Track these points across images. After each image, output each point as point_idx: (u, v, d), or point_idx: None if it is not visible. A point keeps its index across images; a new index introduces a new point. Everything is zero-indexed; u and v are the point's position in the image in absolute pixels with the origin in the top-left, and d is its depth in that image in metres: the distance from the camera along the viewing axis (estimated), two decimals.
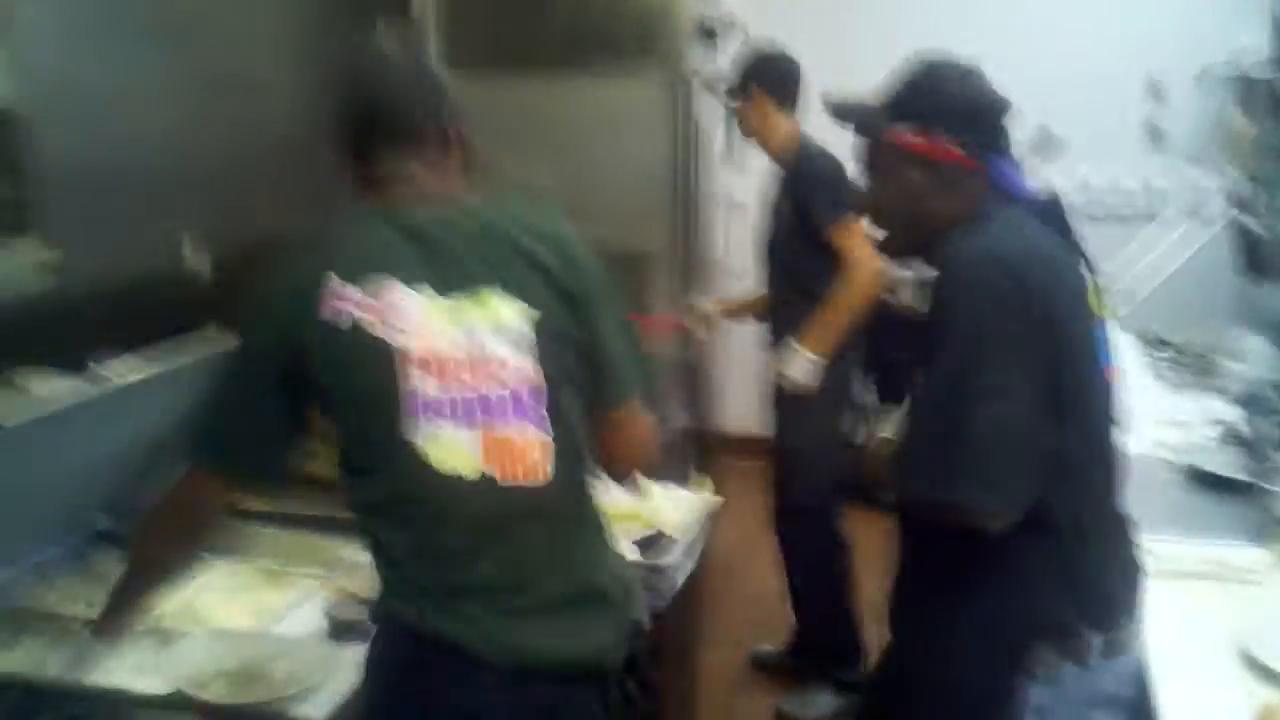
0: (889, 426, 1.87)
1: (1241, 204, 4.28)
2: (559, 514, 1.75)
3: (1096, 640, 1.76)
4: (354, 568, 2.12)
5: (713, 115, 4.15)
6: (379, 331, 1.65)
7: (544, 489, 1.71)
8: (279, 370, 1.67)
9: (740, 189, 5.26)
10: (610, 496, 2.61)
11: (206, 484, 1.74)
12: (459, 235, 1.72)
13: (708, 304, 3.94)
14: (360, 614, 1.93)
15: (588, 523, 1.82)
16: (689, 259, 4.13)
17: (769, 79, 3.52)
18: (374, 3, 3.90)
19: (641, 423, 1.84)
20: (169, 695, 1.73)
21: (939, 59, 1.90)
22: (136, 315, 2.62)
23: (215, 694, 1.72)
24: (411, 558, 1.69)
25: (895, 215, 1.89)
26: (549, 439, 1.71)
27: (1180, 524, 2.44)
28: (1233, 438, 2.83)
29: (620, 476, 2.00)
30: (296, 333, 1.65)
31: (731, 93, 3.55)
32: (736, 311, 3.95)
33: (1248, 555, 2.28)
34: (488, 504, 1.68)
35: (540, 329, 1.70)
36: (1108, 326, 1.84)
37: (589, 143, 4.00)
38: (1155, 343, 3.60)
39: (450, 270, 1.69)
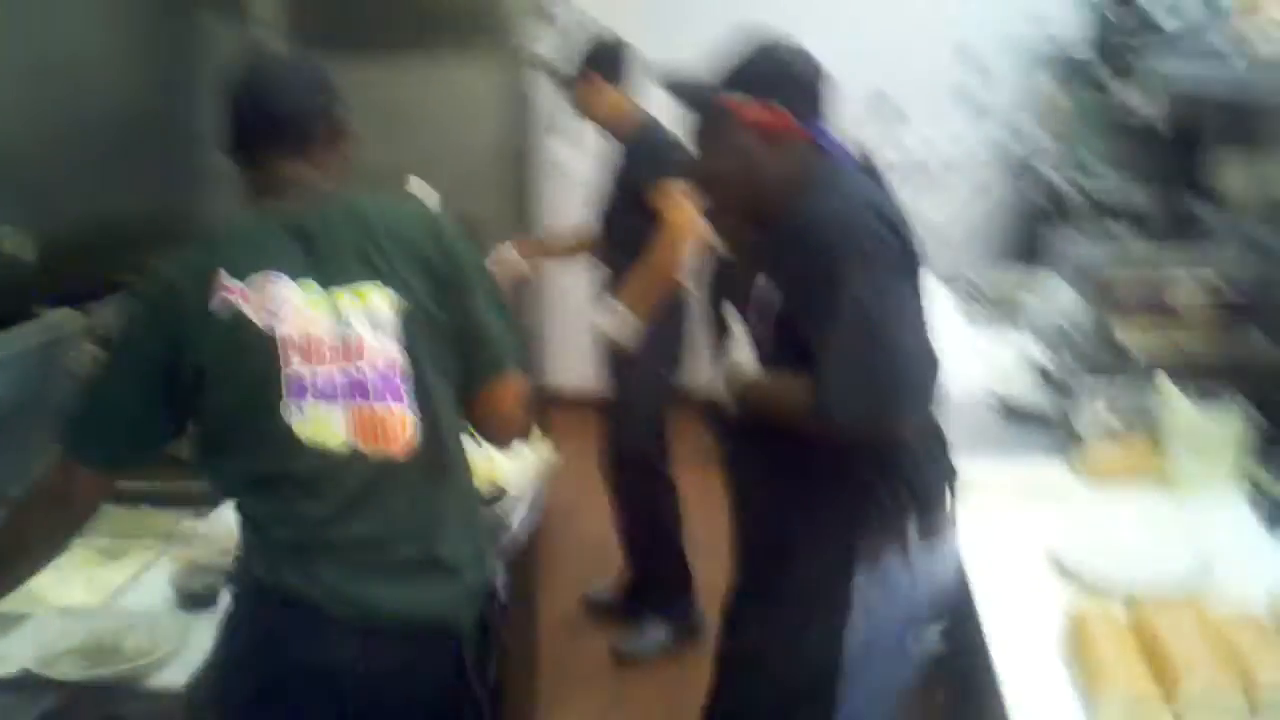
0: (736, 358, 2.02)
1: (1050, 162, 4.53)
2: (421, 484, 1.84)
3: (914, 529, 1.93)
4: (193, 539, 2.12)
5: (546, 92, 4.21)
6: (260, 320, 1.74)
7: (408, 461, 1.81)
8: (157, 363, 1.73)
9: (570, 159, 5.34)
10: None
11: (82, 477, 1.75)
12: (342, 232, 1.82)
13: (511, 249, 3.80)
14: (207, 582, 1.93)
15: (451, 493, 1.89)
16: (526, 226, 4.21)
17: (601, 62, 3.58)
18: None
19: (516, 390, 1.95)
20: (17, 676, 1.71)
21: (766, 35, 2.01)
22: None
23: (64, 672, 1.70)
24: (275, 523, 1.76)
25: (730, 185, 2.00)
26: (415, 416, 1.82)
27: (994, 449, 2.61)
28: (1037, 371, 3.02)
29: (501, 443, 2.09)
30: (179, 326, 1.73)
31: (566, 76, 3.59)
32: (557, 253, 3.98)
33: (1054, 473, 2.46)
34: (352, 473, 1.78)
35: (409, 317, 1.81)
36: None
37: (430, 120, 4.07)
38: (965, 285, 3.80)
39: (332, 266, 1.80)
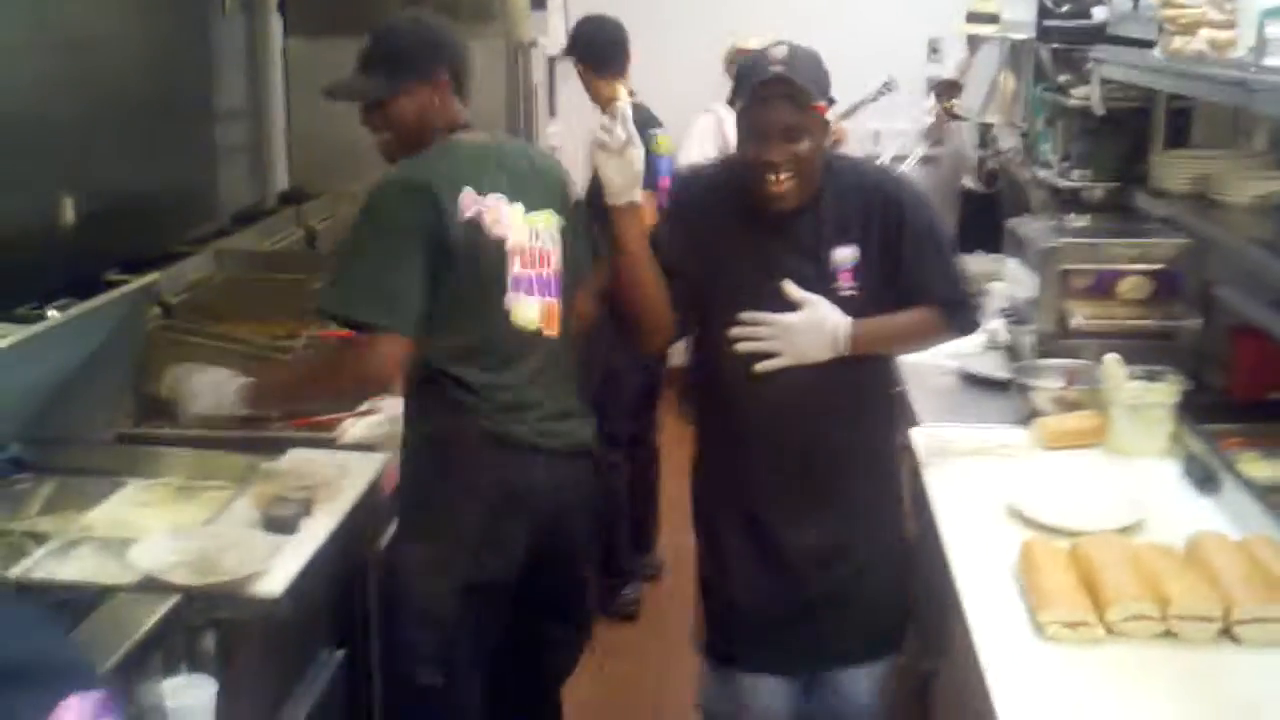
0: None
1: (1011, 153, 4.86)
2: (564, 356, 2.53)
3: None
4: (271, 475, 2.42)
5: (541, 74, 4.49)
6: (494, 232, 2.32)
7: (560, 340, 2.49)
8: (422, 248, 2.28)
9: (561, 137, 5.62)
10: None
11: (393, 345, 2.26)
12: (522, 166, 2.50)
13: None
14: (290, 510, 2.24)
15: (571, 364, 2.57)
16: None
17: (588, 51, 3.87)
18: None
19: (590, 291, 2.59)
20: (139, 582, 2.01)
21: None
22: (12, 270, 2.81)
23: (178, 579, 2.01)
24: (486, 387, 2.37)
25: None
26: (562, 309, 2.50)
27: (957, 415, 2.95)
28: (996, 344, 3.37)
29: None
30: (439, 222, 2.29)
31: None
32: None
33: (1011, 436, 2.80)
34: (537, 349, 2.44)
35: (562, 234, 2.50)
36: None
37: None
38: None
39: (527, 194, 2.45)
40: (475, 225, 2.35)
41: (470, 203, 2.35)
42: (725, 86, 5.87)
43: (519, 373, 2.42)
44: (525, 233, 2.44)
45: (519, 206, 2.44)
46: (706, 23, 5.96)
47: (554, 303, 2.49)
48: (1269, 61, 2.30)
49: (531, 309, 2.44)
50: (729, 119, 5.72)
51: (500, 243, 2.39)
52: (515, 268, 2.41)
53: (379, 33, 2.50)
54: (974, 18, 5.20)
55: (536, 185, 2.50)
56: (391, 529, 2.67)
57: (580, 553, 2.63)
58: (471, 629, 2.42)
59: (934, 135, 5.44)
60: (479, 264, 2.36)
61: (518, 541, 2.42)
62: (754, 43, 5.53)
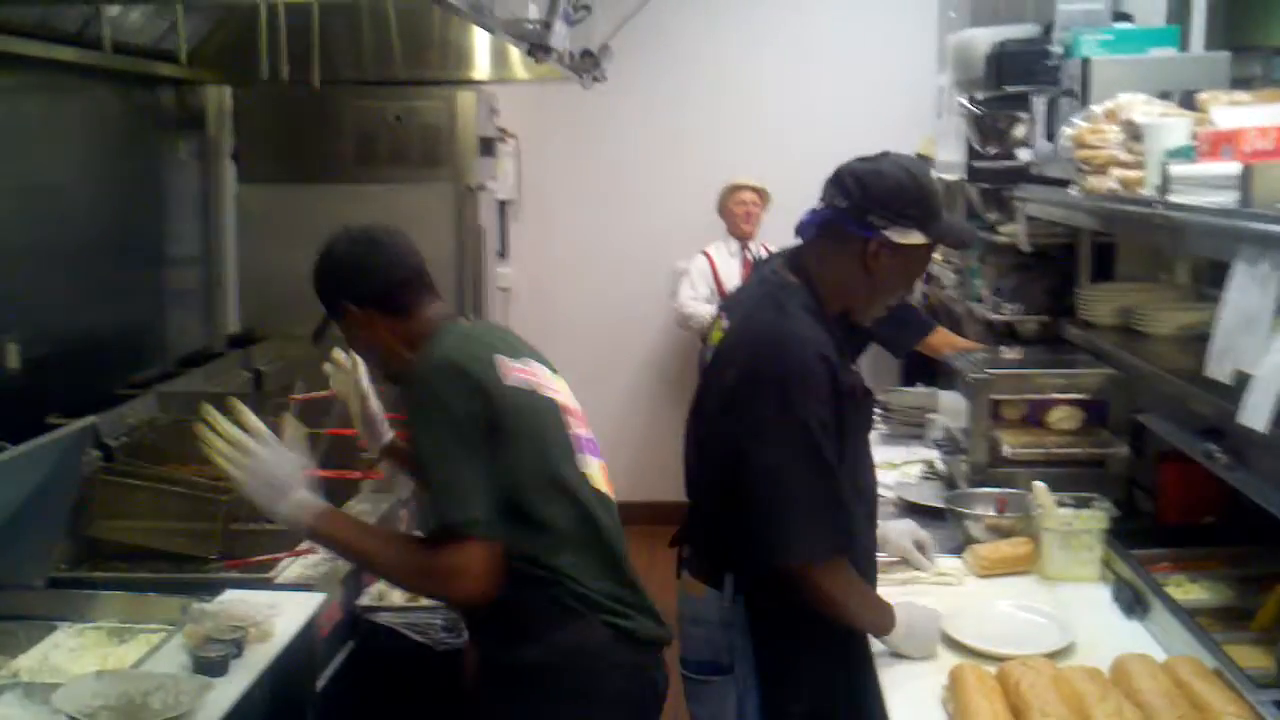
0: None
1: (947, 288, 4.98)
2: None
3: None
4: (203, 617, 2.41)
5: (491, 217, 4.60)
6: (543, 391, 2.21)
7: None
8: (482, 432, 2.11)
9: (512, 279, 5.73)
10: None
11: (486, 551, 2.08)
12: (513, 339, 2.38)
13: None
14: (220, 651, 2.23)
15: None
16: None
17: None
18: (170, 119, 4.18)
19: None
20: None
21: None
22: None
23: None
24: (597, 575, 2.20)
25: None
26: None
27: None
28: (932, 473, 3.41)
29: None
30: (487, 401, 2.12)
31: None
32: None
33: (947, 564, 2.82)
34: (614, 514, 2.30)
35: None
36: None
37: None
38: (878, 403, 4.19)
39: (537, 354, 2.35)
40: (524, 384, 2.22)
41: (510, 368, 2.21)
42: (718, 228, 6.02)
43: (616, 549, 2.27)
44: (564, 392, 2.34)
45: (546, 370, 2.33)
46: (696, 168, 6.14)
47: (604, 464, 2.36)
48: (1173, 198, 2.41)
49: (599, 470, 2.30)
50: (720, 260, 5.91)
51: (553, 402, 2.27)
52: (573, 427, 2.28)
53: (316, 262, 2.38)
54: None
55: (538, 353, 2.39)
56: (330, 670, 2.66)
57: None
58: None
59: None
60: (548, 428, 2.22)
61: None
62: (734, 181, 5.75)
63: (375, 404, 2.58)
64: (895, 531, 2.76)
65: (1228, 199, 2.17)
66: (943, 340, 3.87)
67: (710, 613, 2.39)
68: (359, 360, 2.47)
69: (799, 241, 2.42)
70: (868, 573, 2.45)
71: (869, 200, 2.29)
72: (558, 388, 2.32)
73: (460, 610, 2.38)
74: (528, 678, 2.20)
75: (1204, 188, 2.27)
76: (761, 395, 2.24)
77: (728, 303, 2.59)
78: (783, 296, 2.36)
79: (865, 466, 2.47)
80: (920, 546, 2.77)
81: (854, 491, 2.36)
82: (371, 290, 2.28)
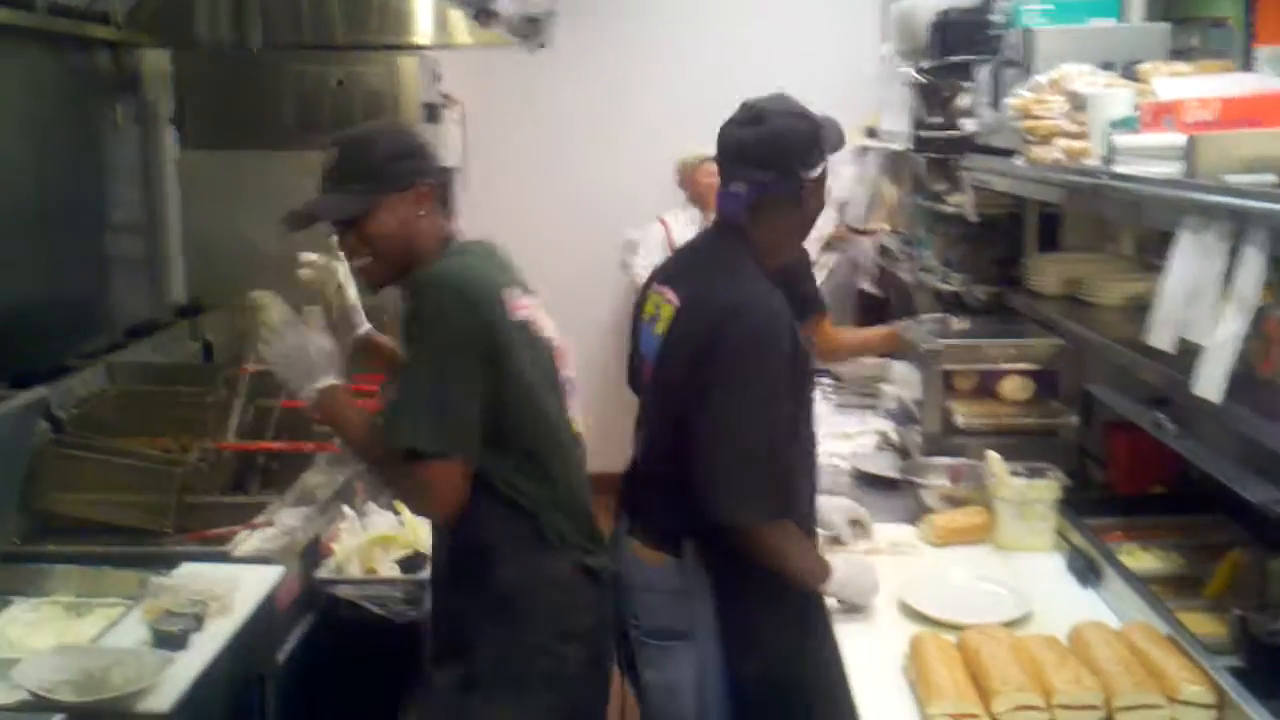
0: None
1: (892, 256, 5.02)
2: None
3: None
4: (161, 591, 2.38)
5: None
6: (542, 332, 2.23)
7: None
8: (480, 365, 2.14)
9: None
10: (375, 523, 2.96)
11: (456, 475, 2.16)
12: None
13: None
14: (180, 625, 2.21)
15: None
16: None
17: None
18: (107, 83, 4.09)
19: None
20: (23, 701, 1.96)
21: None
22: None
23: (63, 697, 1.96)
24: (574, 515, 2.30)
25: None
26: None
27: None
28: (886, 444, 3.45)
29: None
30: (492, 334, 2.16)
31: None
32: None
33: (903, 533, 2.86)
34: (583, 458, 2.38)
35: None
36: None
37: None
38: (829, 375, 4.22)
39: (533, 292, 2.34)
40: (527, 325, 2.26)
41: (518, 302, 2.24)
42: (666, 196, 5.95)
43: (585, 490, 2.36)
44: (555, 330, 2.37)
45: (538, 302, 2.36)
46: (641, 135, 6.10)
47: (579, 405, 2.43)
48: (1117, 168, 2.44)
49: (578, 413, 2.38)
50: (676, 228, 5.87)
51: (551, 344, 2.32)
52: (564, 370, 2.36)
53: (346, 144, 2.27)
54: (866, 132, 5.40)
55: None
56: (290, 643, 2.65)
57: None
58: None
59: (836, 246, 5.61)
60: (543, 371, 2.28)
61: (608, 682, 2.41)
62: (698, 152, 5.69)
63: (353, 292, 2.56)
64: (831, 508, 2.78)
65: (1172, 169, 2.20)
66: (831, 333, 3.80)
67: (668, 581, 2.41)
68: (336, 248, 2.40)
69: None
70: (806, 526, 2.52)
71: (791, 161, 2.40)
72: (547, 323, 2.35)
73: (443, 529, 2.35)
74: (500, 598, 2.26)
75: (1149, 158, 2.30)
76: (726, 359, 2.30)
77: (669, 274, 2.58)
78: (732, 261, 2.43)
79: (808, 423, 2.56)
80: (857, 524, 2.80)
81: (800, 449, 2.47)
82: (438, 173, 2.36)
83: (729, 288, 2.38)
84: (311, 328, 2.34)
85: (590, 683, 2.35)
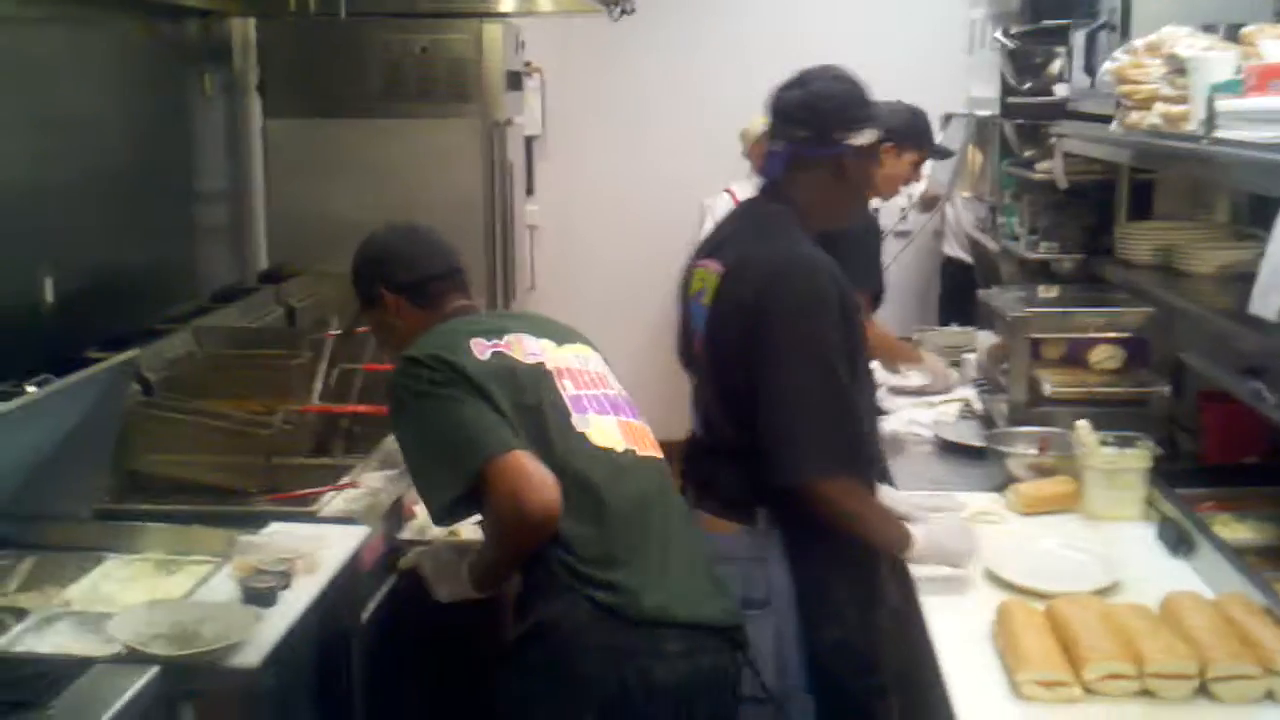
0: None
1: (980, 225, 4.94)
2: (671, 488, 2.25)
3: None
4: (250, 549, 2.42)
5: (518, 153, 4.56)
6: (528, 359, 2.17)
7: (663, 464, 2.25)
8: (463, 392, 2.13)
9: (539, 216, 5.70)
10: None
11: (516, 463, 2.08)
12: (537, 316, 2.46)
13: None
14: (269, 583, 2.24)
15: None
16: (503, 275, 4.54)
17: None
18: (196, 52, 4.15)
19: None
20: (118, 654, 2.00)
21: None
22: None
23: (157, 651, 2.00)
24: (581, 540, 2.08)
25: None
26: (648, 429, 2.28)
27: (935, 483, 2.97)
28: (969, 412, 3.41)
29: None
30: (466, 370, 2.13)
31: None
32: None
33: (988, 501, 2.82)
34: (634, 476, 2.17)
35: (605, 362, 2.37)
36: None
37: (409, 178, 4.35)
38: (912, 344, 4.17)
39: (552, 330, 2.34)
40: (502, 356, 2.19)
41: (483, 346, 2.20)
42: (741, 167, 5.92)
43: (625, 513, 2.10)
44: (567, 358, 2.27)
45: (548, 341, 2.29)
46: (723, 103, 6.03)
47: (637, 423, 2.26)
48: (1219, 134, 2.37)
49: (610, 428, 2.19)
50: (742, 199, 5.77)
51: (539, 367, 2.21)
52: (570, 389, 2.20)
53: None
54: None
55: (559, 327, 2.39)
56: (374, 603, 2.68)
57: None
58: None
59: (931, 207, 5.53)
60: (525, 392, 2.15)
61: None
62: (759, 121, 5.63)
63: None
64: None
65: (1276, 133, 2.14)
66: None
67: (741, 549, 2.40)
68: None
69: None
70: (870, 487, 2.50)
71: (827, 121, 2.43)
72: (548, 352, 2.26)
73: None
74: (515, 650, 2.15)
75: (1253, 122, 2.24)
76: (779, 320, 2.31)
77: (710, 246, 2.58)
78: (774, 224, 2.45)
79: (867, 382, 2.59)
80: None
81: (862, 408, 2.46)
82: (407, 277, 2.40)
83: (773, 250, 2.40)
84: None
85: None
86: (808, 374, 2.29)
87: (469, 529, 2.78)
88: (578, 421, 2.16)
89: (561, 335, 2.36)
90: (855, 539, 2.36)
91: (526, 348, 2.25)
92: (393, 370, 2.29)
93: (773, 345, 2.30)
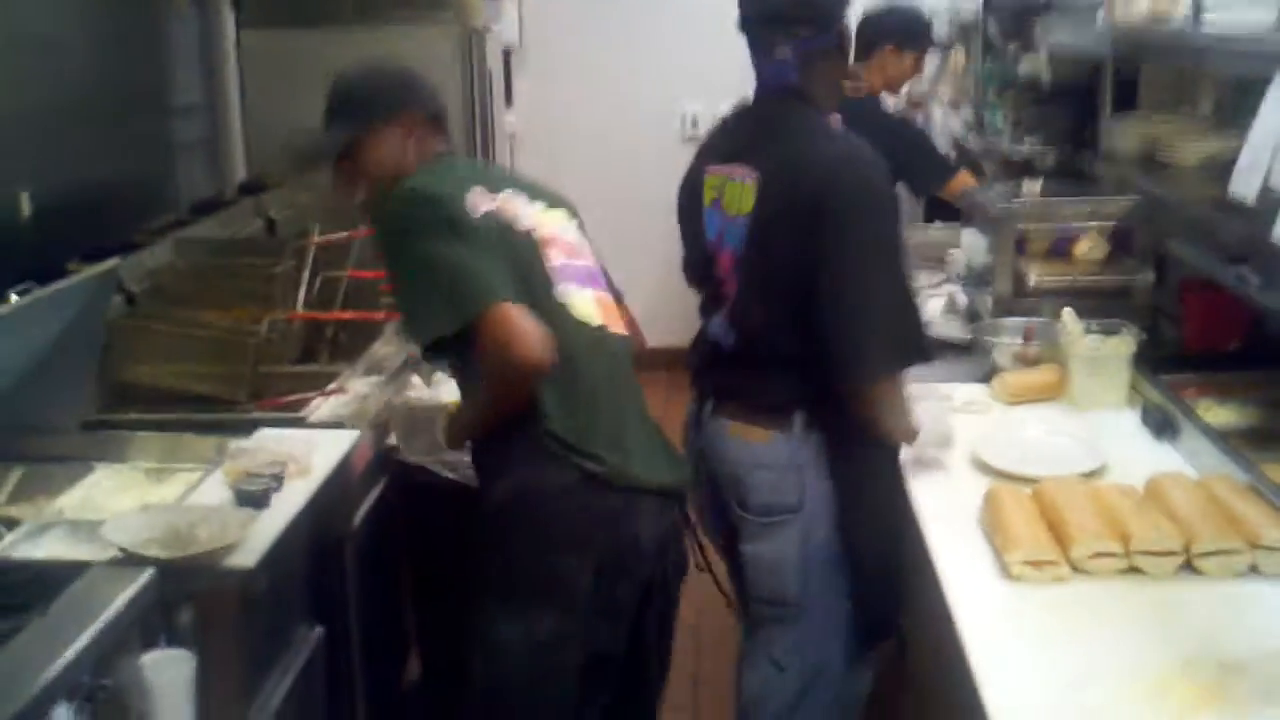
0: None
1: (966, 125, 4.92)
2: (632, 366, 2.32)
3: None
4: (240, 454, 2.42)
5: (496, 63, 4.50)
6: (519, 223, 2.19)
7: (629, 341, 2.32)
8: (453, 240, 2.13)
9: (517, 126, 5.64)
10: (443, 391, 2.97)
11: (512, 313, 2.09)
12: (523, 176, 2.43)
13: None
14: (261, 485, 2.25)
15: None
16: None
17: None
18: None
19: None
20: (115, 558, 2.01)
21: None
22: None
23: (154, 553, 2.01)
24: (569, 413, 2.15)
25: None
26: (620, 308, 2.35)
27: (919, 378, 2.97)
28: (954, 308, 3.41)
29: None
30: (461, 227, 2.13)
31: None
32: None
33: (974, 391, 2.84)
34: (607, 351, 2.25)
35: (582, 229, 2.39)
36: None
37: None
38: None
39: (540, 192, 2.34)
40: (495, 218, 2.19)
41: (481, 199, 2.19)
42: (730, 71, 5.74)
43: (600, 386, 2.19)
44: (554, 225, 2.29)
45: (539, 204, 2.31)
46: (705, 6, 5.92)
47: (608, 297, 2.32)
48: (1206, 25, 2.36)
49: (588, 302, 2.24)
50: None
51: (529, 233, 2.22)
52: (555, 259, 2.23)
53: (335, 82, 2.37)
54: None
55: (544, 189, 2.38)
56: (366, 507, 2.69)
57: (675, 617, 2.43)
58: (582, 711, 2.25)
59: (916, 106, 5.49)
60: (513, 258, 2.16)
61: (629, 605, 2.23)
62: None
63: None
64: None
65: (1266, 15, 2.13)
66: (961, 182, 3.84)
67: (778, 455, 2.37)
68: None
69: None
70: None
71: (829, 8, 2.37)
72: (540, 220, 2.27)
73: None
74: (492, 517, 2.22)
75: (1239, 6, 2.23)
76: (845, 220, 2.24)
77: (727, 151, 2.45)
78: (807, 124, 2.37)
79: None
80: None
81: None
82: (432, 101, 2.37)
83: (822, 149, 2.33)
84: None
85: (604, 607, 2.19)
86: (877, 273, 2.26)
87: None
88: (559, 293, 2.20)
89: (550, 199, 2.37)
90: (883, 438, 2.36)
91: (520, 210, 2.25)
92: (394, 199, 2.19)
93: (839, 246, 2.23)
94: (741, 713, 2.54)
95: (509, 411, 2.17)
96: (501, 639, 2.20)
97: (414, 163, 2.30)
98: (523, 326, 2.06)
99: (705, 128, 5.66)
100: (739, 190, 2.36)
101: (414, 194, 2.18)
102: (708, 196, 2.44)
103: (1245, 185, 2.15)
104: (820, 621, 2.42)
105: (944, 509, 2.28)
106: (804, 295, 2.26)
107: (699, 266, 2.50)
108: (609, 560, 2.16)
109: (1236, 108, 3.19)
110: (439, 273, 2.11)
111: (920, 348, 2.33)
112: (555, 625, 2.17)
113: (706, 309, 2.51)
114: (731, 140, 2.48)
